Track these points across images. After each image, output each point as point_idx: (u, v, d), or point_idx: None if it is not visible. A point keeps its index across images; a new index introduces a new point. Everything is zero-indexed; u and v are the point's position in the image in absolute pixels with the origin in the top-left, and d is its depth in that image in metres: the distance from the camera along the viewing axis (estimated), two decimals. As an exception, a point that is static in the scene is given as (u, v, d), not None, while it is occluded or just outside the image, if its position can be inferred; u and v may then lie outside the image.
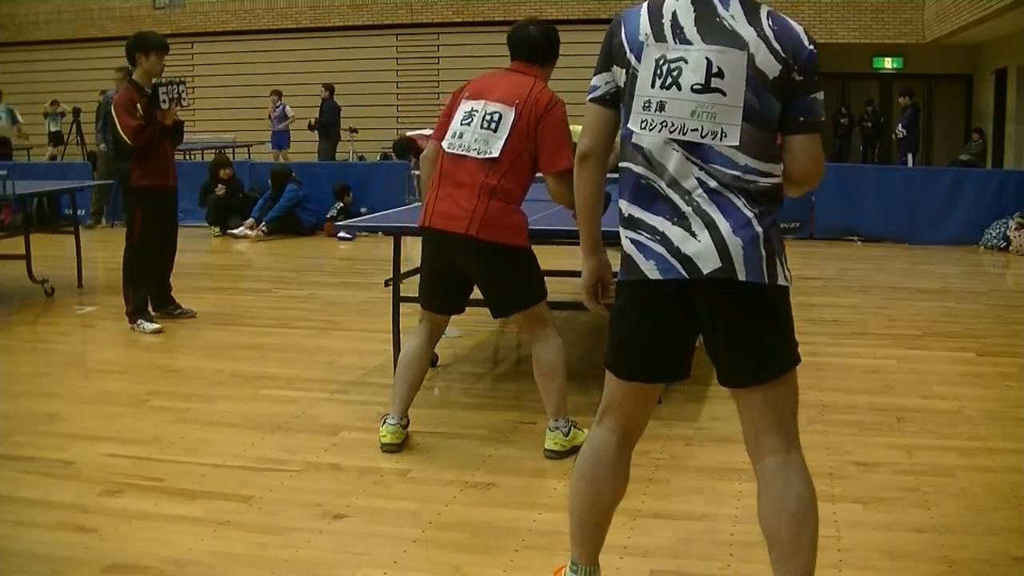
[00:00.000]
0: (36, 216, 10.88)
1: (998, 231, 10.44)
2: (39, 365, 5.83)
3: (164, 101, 6.38)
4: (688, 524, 3.42)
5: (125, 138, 6.32)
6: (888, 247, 10.65)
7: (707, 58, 2.38)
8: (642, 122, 2.43)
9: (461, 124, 4.01)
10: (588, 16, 17.83)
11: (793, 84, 2.38)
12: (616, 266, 2.57)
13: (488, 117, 3.96)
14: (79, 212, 9.55)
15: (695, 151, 2.39)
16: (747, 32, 2.37)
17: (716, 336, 2.46)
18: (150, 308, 6.61)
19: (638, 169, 2.45)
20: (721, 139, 2.37)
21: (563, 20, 15.74)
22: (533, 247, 4.10)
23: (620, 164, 2.50)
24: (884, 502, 3.61)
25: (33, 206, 10.58)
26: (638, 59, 2.45)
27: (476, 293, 4.17)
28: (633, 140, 2.45)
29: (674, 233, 2.39)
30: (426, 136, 7.37)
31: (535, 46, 4.12)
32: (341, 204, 11.70)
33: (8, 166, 10.16)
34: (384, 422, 4.18)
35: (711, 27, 2.39)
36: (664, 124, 2.40)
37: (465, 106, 4.05)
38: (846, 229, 11.00)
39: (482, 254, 3.93)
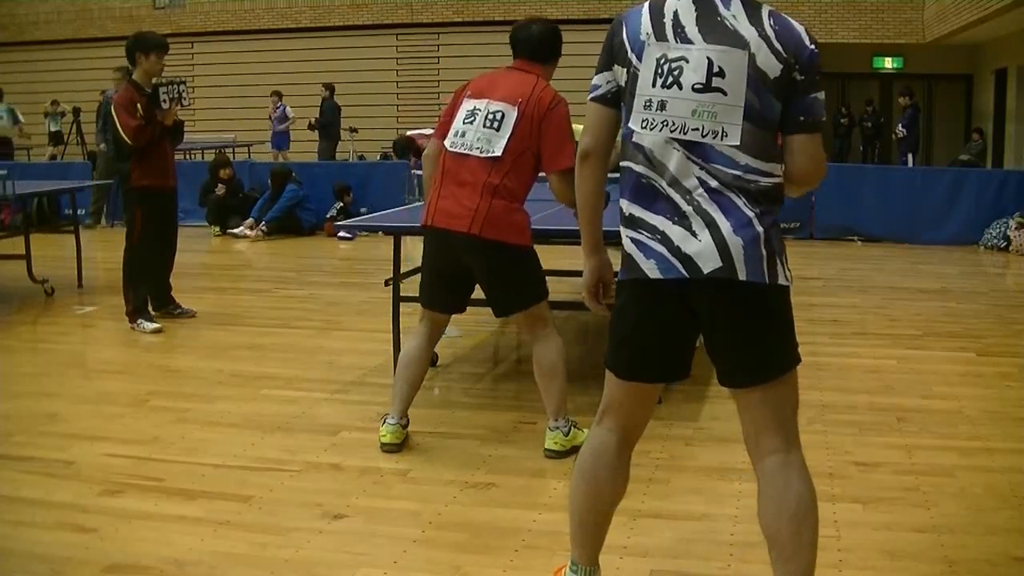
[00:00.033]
0: (36, 216, 10.88)
1: (998, 231, 10.44)
2: (39, 365, 5.83)
3: (164, 101, 6.38)
4: (688, 524, 3.42)
5: (125, 138, 6.32)
6: (888, 247, 10.65)
7: (708, 57, 2.38)
8: (643, 121, 2.44)
9: (464, 123, 4.01)
10: (588, 16, 17.83)
11: (794, 84, 2.38)
12: (617, 265, 2.57)
13: (491, 116, 3.96)
14: (79, 212, 9.55)
15: (696, 150, 2.39)
16: (748, 32, 2.37)
17: (716, 336, 2.46)
18: (150, 308, 6.61)
19: (639, 168, 2.45)
20: (722, 138, 2.37)
21: (563, 20, 15.66)
22: (534, 246, 4.10)
23: (621, 163, 2.50)
24: (884, 502, 3.61)
25: (33, 206, 10.58)
26: (639, 58, 2.45)
27: (477, 293, 4.17)
28: (634, 139, 2.45)
29: (675, 232, 2.39)
30: (426, 136, 7.36)
31: (537, 45, 4.12)
32: (341, 204, 11.70)
33: (8, 166, 10.15)
34: (384, 422, 4.18)
35: (712, 26, 2.39)
36: (665, 123, 2.40)
37: (468, 105, 4.05)
38: (846, 229, 11.00)
39: (485, 253, 3.93)
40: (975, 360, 5.83)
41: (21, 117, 16.53)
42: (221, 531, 3.36)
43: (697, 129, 2.38)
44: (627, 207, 2.48)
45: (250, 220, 11.42)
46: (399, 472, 3.95)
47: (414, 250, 6.13)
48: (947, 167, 15.04)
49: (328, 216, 11.60)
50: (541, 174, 4.04)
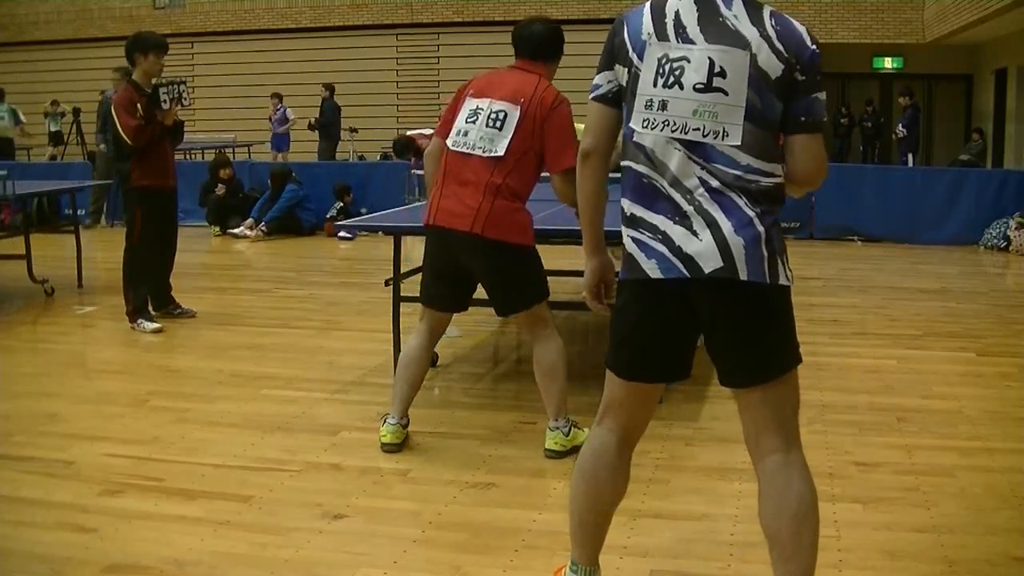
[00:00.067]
0: (36, 216, 10.87)
1: (998, 231, 10.45)
2: (39, 365, 5.83)
3: (165, 101, 6.38)
4: (688, 524, 3.42)
5: (125, 138, 6.32)
6: (888, 247, 10.65)
7: (709, 57, 2.38)
8: (644, 121, 2.44)
9: (466, 122, 4.01)
10: (588, 16, 17.83)
11: (795, 84, 2.38)
12: (618, 265, 2.57)
13: (493, 116, 3.96)
14: (79, 212, 9.55)
15: (697, 150, 2.39)
16: (750, 32, 2.37)
17: (716, 336, 2.46)
18: (150, 308, 6.61)
19: (640, 168, 2.45)
20: (723, 138, 2.37)
21: (563, 20, 15.64)
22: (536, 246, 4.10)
23: (622, 163, 2.50)
24: (884, 502, 3.61)
25: (33, 206, 10.58)
26: (640, 58, 2.45)
27: (479, 293, 4.17)
28: (635, 139, 2.45)
29: (676, 232, 2.39)
30: (426, 136, 7.35)
31: (540, 43, 4.12)
32: (341, 204, 11.70)
33: (8, 166, 10.15)
34: (384, 422, 4.18)
35: (714, 27, 2.39)
36: (666, 123, 2.40)
37: (470, 104, 4.04)
38: (846, 229, 11.00)
39: (487, 252, 3.93)
40: (975, 360, 5.83)
41: (23, 117, 16.52)
42: (221, 531, 3.36)
43: (698, 129, 2.38)
44: (628, 207, 2.48)
45: (250, 220, 11.42)
46: (399, 472, 3.95)
47: (414, 250, 6.13)
48: (947, 167, 15.04)
49: (328, 216, 11.60)
50: (543, 174, 4.04)
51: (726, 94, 2.37)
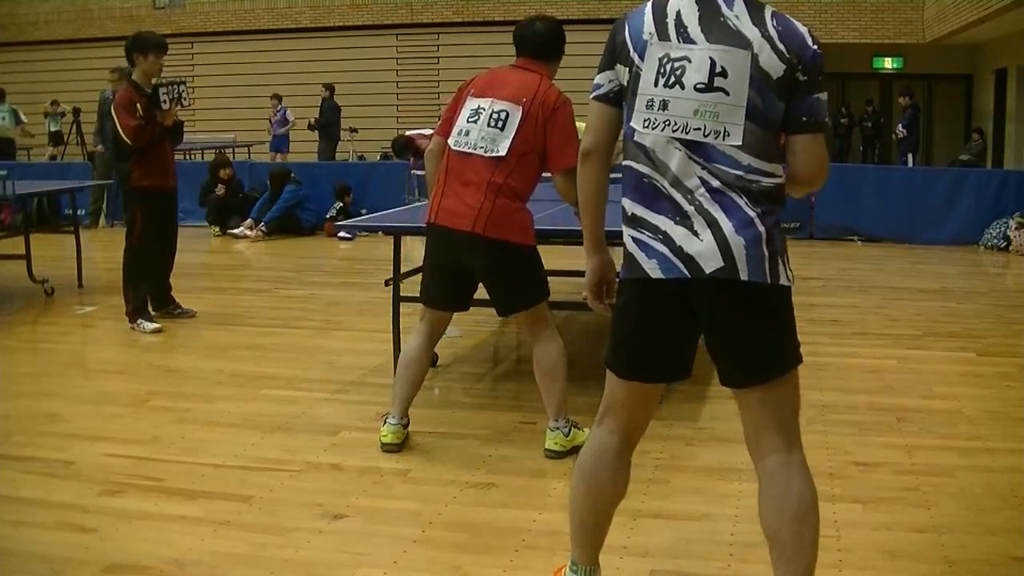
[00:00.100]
0: (36, 216, 10.87)
1: (998, 231, 10.44)
2: (39, 365, 5.83)
3: (165, 101, 6.38)
4: (688, 524, 3.42)
5: (125, 138, 6.32)
6: (888, 247, 10.65)
7: (711, 57, 2.37)
8: (645, 121, 2.43)
9: (468, 121, 4.01)
10: (588, 16, 17.83)
11: (796, 84, 2.37)
12: (619, 265, 2.57)
13: (495, 115, 3.95)
14: (79, 212, 9.55)
15: (698, 150, 2.39)
16: (751, 32, 2.37)
17: (716, 336, 2.46)
18: (150, 308, 6.61)
19: (641, 168, 2.45)
20: (724, 138, 2.37)
21: (563, 20, 15.66)
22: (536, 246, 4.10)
23: (623, 163, 2.50)
24: (884, 502, 3.61)
25: (33, 206, 10.57)
26: (641, 58, 2.45)
27: (479, 293, 4.17)
28: (636, 139, 2.45)
29: (676, 232, 2.39)
30: (425, 136, 7.34)
31: (541, 43, 4.12)
32: (341, 204, 11.70)
33: (8, 166, 10.14)
34: (384, 422, 4.18)
35: (715, 26, 2.39)
36: (667, 123, 2.40)
37: (471, 103, 4.04)
38: (846, 229, 11.00)
39: (488, 252, 3.93)
40: (975, 360, 5.83)
41: (24, 118, 16.52)
42: (221, 531, 3.36)
43: (699, 129, 2.38)
44: (629, 207, 2.48)
45: (250, 220, 11.42)
46: (399, 472, 3.95)
47: (414, 250, 6.14)
48: (947, 167, 15.04)
49: (328, 216, 11.59)
50: (545, 174, 4.04)
51: (727, 94, 2.36)
